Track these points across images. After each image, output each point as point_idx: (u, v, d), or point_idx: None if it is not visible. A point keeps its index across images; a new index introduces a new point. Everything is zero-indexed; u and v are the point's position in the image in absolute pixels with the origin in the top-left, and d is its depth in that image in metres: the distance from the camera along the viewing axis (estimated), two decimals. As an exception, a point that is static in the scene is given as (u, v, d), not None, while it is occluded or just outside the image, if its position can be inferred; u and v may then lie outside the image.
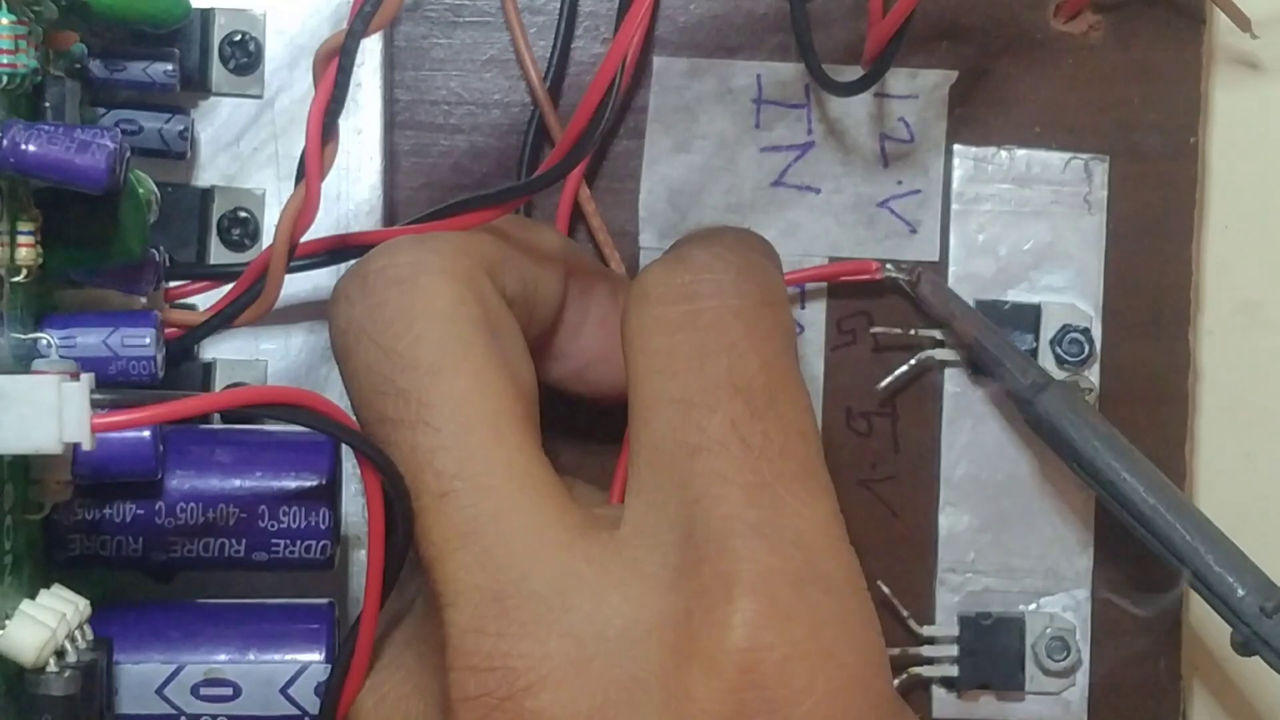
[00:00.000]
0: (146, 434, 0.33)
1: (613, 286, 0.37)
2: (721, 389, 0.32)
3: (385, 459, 0.32)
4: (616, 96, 0.34)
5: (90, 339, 0.33)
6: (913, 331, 0.40)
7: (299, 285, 0.37)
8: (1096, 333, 0.40)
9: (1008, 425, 0.40)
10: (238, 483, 0.34)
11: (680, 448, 0.32)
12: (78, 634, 0.31)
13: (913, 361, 0.40)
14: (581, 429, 0.39)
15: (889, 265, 0.40)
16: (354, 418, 0.33)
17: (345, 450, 0.35)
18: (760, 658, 0.30)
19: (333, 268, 0.37)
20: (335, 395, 0.37)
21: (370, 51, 0.38)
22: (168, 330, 0.35)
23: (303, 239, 0.34)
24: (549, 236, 0.36)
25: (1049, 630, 0.40)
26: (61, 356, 0.32)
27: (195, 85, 0.37)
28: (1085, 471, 0.38)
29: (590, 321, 0.36)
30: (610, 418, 0.36)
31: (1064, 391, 0.38)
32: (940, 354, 0.40)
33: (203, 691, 0.33)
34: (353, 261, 0.36)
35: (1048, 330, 0.40)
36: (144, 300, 0.35)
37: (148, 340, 0.33)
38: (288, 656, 0.33)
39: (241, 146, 0.38)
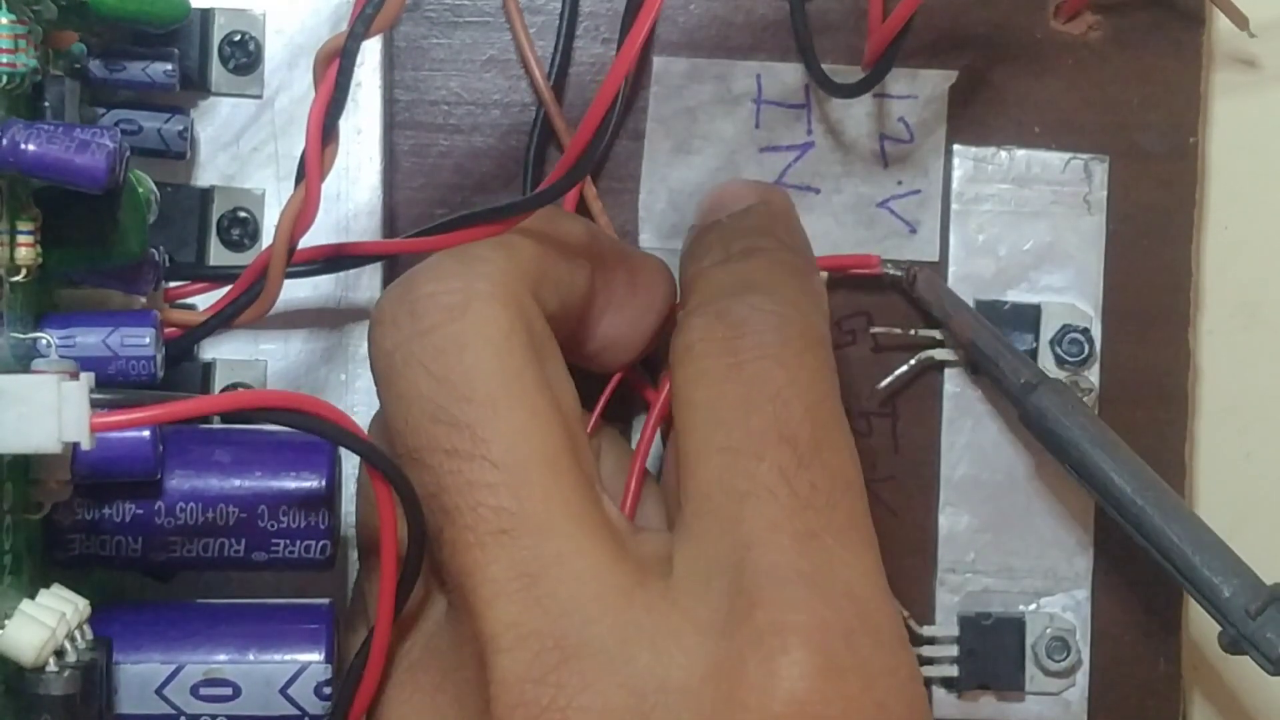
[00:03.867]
0: (146, 434, 0.33)
1: (630, 272, 0.36)
2: (768, 437, 0.32)
3: (393, 466, 0.31)
4: (620, 105, 0.34)
5: (90, 339, 0.33)
6: (913, 331, 0.40)
7: (299, 287, 0.37)
8: (1096, 333, 0.40)
9: (1008, 425, 0.40)
10: (237, 483, 0.34)
11: (729, 495, 0.32)
12: (77, 634, 0.31)
13: (913, 361, 0.40)
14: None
15: (888, 264, 0.40)
16: (400, 441, 0.32)
17: (345, 451, 0.35)
18: (816, 712, 0.30)
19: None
20: (335, 398, 0.37)
21: (370, 51, 0.38)
22: (167, 330, 0.35)
23: (301, 242, 0.34)
24: (574, 228, 0.36)
25: (1049, 630, 0.40)
26: (61, 356, 0.32)
27: (195, 85, 0.37)
28: (1076, 470, 0.38)
29: (610, 310, 0.36)
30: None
31: (1056, 390, 0.38)
32: (940, 354, 0.40)
33: (202, 691, 0.33)
34: (352, 271, 0.36)
35: (1047, 330, 0.40)
36: (144, 300, 0.35)
37: (147, 340, 0.33)
38: (287, 656, 0.33)
39: (241, 146, 0.38)
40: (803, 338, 0.33)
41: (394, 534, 0.32)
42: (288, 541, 0.34)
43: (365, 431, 0.35)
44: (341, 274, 0.38)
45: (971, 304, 0.40)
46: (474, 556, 0.31)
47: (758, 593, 0.30)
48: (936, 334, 0.40)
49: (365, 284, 0.38)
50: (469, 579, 0.31)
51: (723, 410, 0.32)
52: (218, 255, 0.38)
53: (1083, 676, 0.40)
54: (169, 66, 0.36)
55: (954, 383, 0.40)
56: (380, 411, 0.35)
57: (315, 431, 0.31)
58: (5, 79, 0.31)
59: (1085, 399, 0.39)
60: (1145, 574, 0.40)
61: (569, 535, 0.31)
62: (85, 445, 0.29)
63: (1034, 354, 0.40)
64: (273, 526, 0.34)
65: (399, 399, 0.32)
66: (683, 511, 0.32)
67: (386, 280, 0.38)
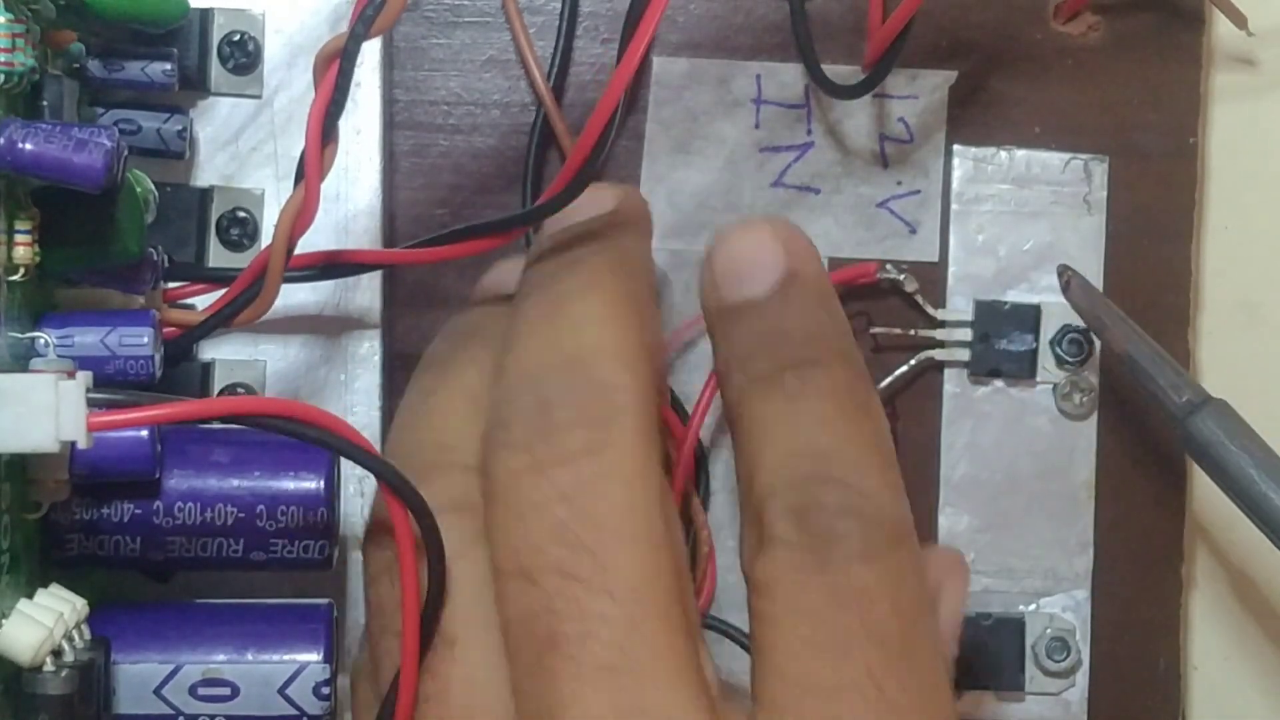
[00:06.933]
0: (144, 433, 0.33)
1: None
2: (855, 634, 0.31)
3: (401, 478, 0.31)
4: (619, 113, 0.34)
5: (88, 338, 0.33)
6: (913, 331, 0.40)
7: (298, 289, 0.37)
8: (1097, 333, 0.40)
9: (1008, 425, 0.40)
10: (236, 483, 0.34)
11: (813, 688, 0.30)
12: (75, 633, 0.31)
13: (913, 361, 0.40)
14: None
15: (889, 266, 0.40)
16: (512, 556, 0.31)
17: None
18: None
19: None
20: (334, 398, 0.37)
21: (369, 51, 0.38)
22: (166, 330, 0.35)
23: (301, 243, 0.34)
24: (643, 250, 0.35)
25: (1049, 630, 0.40)
26: (59, 356, 0.32)
27: (194, 85, 0.37)
28: (1240, 499, 0.36)
29: None
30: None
31: (1222, 412, 0.36)
32: (940, 354, 0.40)
33: (201, 691, 0.33)
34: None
35: (1047, 330, 0.40)
36: (142, 300, 0.35)
37: (145, 340, 0.33)
38: (286, 657, 0.33)
39: (240, 146, 0.38)
40: (890, 538, 0.32)
41: (413, 555, 0.31)
42: (286, 541, 0.34)
43: (380, 434, 0.35)
44: (341, 272, 0.38)
45: (971, 305, 0.40)
46: (573, 689, 0.30)
47: None
48: (936, 334, 0.40)
49: (365, 284, 0.38)
50: (563, 711, 0.30)
51: (806, 602, 0.31)
52: (217, 255, 0.38)
53: (1083, 676, 0.40)
54: (168, 66, 0.36)
55: (954, 383, 0.40)
56: (403, 412, 0.34)
57: (310, 439, 0.30)
58: (3, 78, 0.31)
59: (1085, 399, 0.39)
60: (1145, 574, 0.40)
61: (670, 689, 0.30)
62: (82, 444, 0.29)
63: (1034, 354, 0.40)
64: (271, 526, 0.34)
65: (519, 517, 0.31)
66: (760, 700, 0.31)
67: (386, 281, 0.38)
